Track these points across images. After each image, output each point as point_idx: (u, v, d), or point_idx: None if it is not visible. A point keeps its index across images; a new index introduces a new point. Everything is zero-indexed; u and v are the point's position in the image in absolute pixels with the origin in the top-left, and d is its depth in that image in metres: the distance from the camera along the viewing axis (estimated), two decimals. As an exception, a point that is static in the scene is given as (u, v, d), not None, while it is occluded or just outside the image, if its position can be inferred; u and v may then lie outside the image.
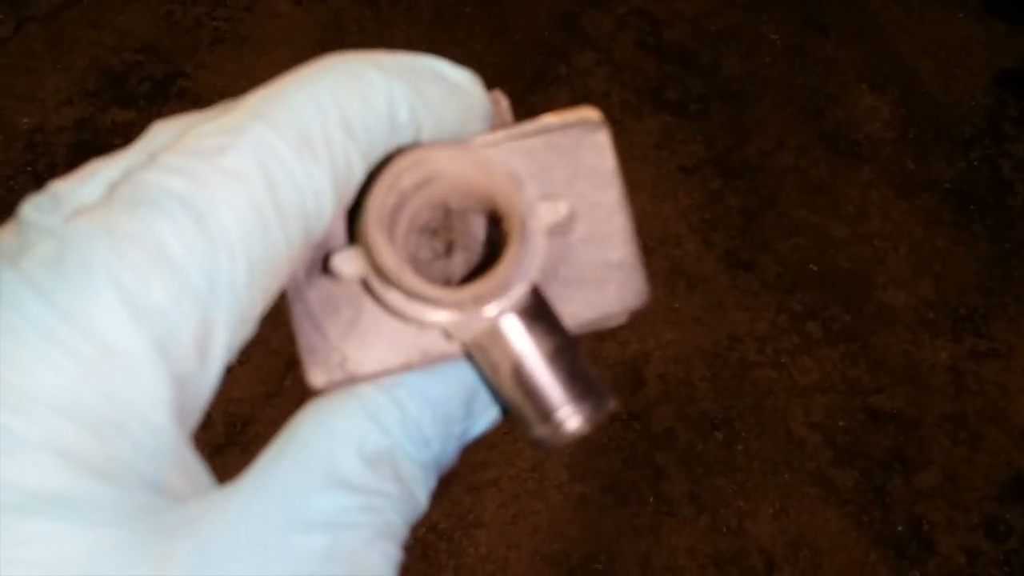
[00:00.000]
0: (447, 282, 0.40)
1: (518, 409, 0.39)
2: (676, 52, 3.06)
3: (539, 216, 0.38)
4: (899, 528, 2.40)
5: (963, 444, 2.50)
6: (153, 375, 0.30)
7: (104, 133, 2.82)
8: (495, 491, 2.38)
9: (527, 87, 2.95)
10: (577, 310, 0.41)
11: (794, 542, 2.37)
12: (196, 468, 0.33)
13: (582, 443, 2.45)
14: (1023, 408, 2.55)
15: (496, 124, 0.42)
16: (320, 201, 0.34)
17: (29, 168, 2.76)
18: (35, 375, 0.28)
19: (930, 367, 2.60)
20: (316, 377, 0.39)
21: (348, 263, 0.37)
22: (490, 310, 0.37)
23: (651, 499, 2.41)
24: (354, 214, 0.38)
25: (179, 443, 0.31)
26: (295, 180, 0.33)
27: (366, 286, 0.38)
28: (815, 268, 2.72)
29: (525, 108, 2.86)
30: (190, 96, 2.89)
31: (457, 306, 0.37)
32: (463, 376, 0.41)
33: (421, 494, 0.38)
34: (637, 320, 2.62)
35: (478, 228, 0.41)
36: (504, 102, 0.43)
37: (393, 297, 0.37)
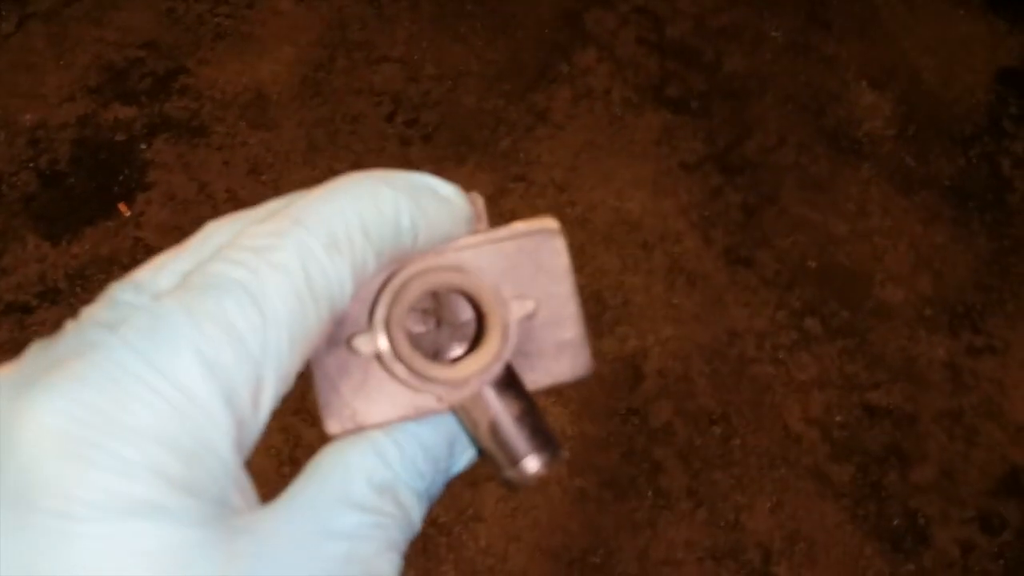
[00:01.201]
0: (437, 351, 0.51)
1: (492, 455, 0.50)
2: (678, 49, 3.08)
3: (514, 314, 0.49)
4: (895, 522, 2.41)
5: (959, 439, 2.52)
6: (222, 418, 0.39)
7: (106, 129, 2.84)
8: (494, 486, 2.39)
9: (529, 85, 2.96)
10: (537, 377, 0.52)
11: (791, 536, 2.38)
12: (248, 489, 0.41)
13: (581, 438, 2.48)
14: (1019, 403, 2.57)
15: (476, 224, 0.52)
16: (343, 288, 0.43)
17: (31, 164, 2.78)
18: (138, 415, 0.37)
19: (927, 363, 2.62)
20: (332, 426, 0.49)
21: (367, 344, 0.47)
22: (474, 385, 0.48)
23: (649, 493, 2.42)
24: (372, 307, 0.48)
25: (238, 469, 0.40)
26: (325, 272, 0.42)
27: (379, 359, 0.48)
28: (814, 265, 2.73)
29: (526, 104, 2.89)
30: (192, 93, 2.90)
31: (450, 383, 0.48)
32: (448, 424, 0.51)
33: (416, 516, 0.48)
34: (636, 316, 2.63)
35: (460, 306, 0.51)
36: (480, 202, 0.52)
37: (401, 371, 0.48)
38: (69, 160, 2.79)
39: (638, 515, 2.39)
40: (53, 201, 2.73)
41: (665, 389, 2.54)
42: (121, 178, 2.77)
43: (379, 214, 0.45)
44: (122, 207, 2.71)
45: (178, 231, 2.68)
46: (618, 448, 2.47)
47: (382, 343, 0.47)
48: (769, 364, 2.58)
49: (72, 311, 0.42)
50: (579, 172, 2.82)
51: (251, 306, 0.40)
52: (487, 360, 0.48)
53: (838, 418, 2.52)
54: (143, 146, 2.82)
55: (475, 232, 0.51)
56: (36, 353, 0.40)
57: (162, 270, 0.44)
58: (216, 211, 2.75)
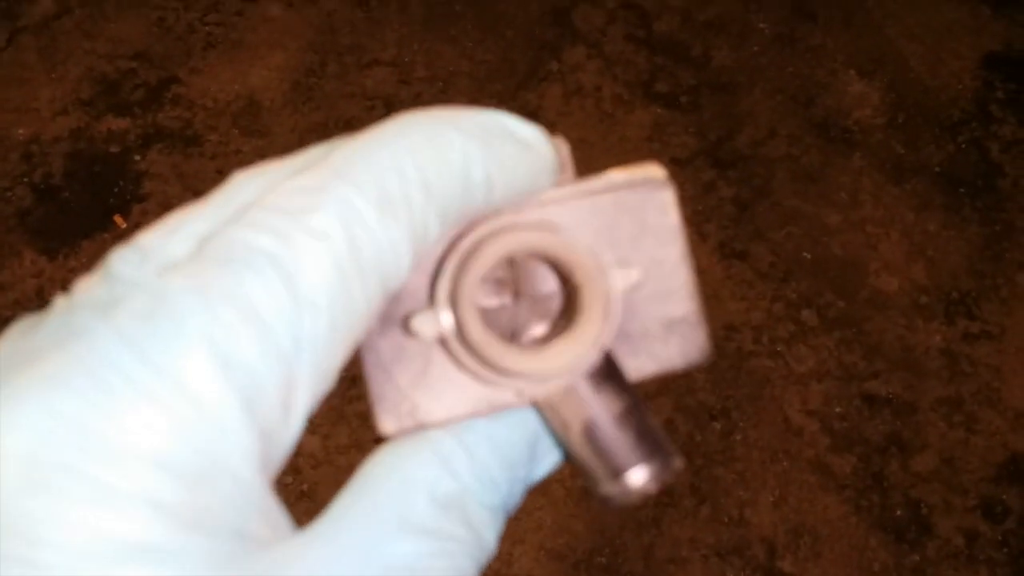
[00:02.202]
0: (514, 330, 0.42)
1: (586, 465, 0.40)
2: (666, 44, 3.08)
3: (616, 286, 0.40)
4: (898, 512, 2.43)
5: (959, 427, 2.53)
6: (240, 430, 0.31)
7: (100, 142, 2.83)
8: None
9: (519, 84, 2.96)
10: (641, 364, 0.43)
11: (795, 529, 2.40)
12: (277, 515, 0.34)
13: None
14: (1017, 389, 2.58)
15: (563, 174, 0.43)
16: (398, 259, 0.35)
17: (26, 179, 2.76)
18: (129, 429, 0.29)
19: (924, 351, 2.63)
20: (387, 424, 0.40)
21: (428, 325, 0.38)
22: (565, 378, 0.39)
23: (652, 491, 2.43)
24: (435, 278, 0.40)
25: (263, 493, 0.32)
26: (375, 239, 0.34)
27: (443, 344, 0.40)
28: (809, 256, 2.74)
29: (518, 104, 2.88)
30: (184, 102, 2.90)
31: (536, 377, 0.39)
32: (527, 421, 0.42)
33: (490, 537, 0.39)
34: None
35: (542, 276, 0.42)
36: (564, 149, 0.43)
37: (470, 361, 0.39)
38: (63, 174, 2.78)
39: (642, 513, 2.40)
40: (49, 215, 2.72)
41: (664, 385, 2.55)
42: (116, 190, 2.76)
43: (444, 164, 0.36)
44: (118, 219, 2.71)
45: (175, 241, 2.65)
46: (620, 446, 2.47)
47: (447, 324, 0.38)
48: (767, 357, 2.60)
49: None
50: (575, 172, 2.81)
51: (280, 284, 0.32)
52: (583, 346, 0.39)
53: (838, 409, 2.54)
54: (137, 157, 2.81)
55: (561, 185, 0.42)
56: (15, 339, 0.33)
57: (175, 233, 0.36)
58: (212, 221, 2.74)
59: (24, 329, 0.33)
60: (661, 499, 2.41)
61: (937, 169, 2.90)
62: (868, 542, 2.39)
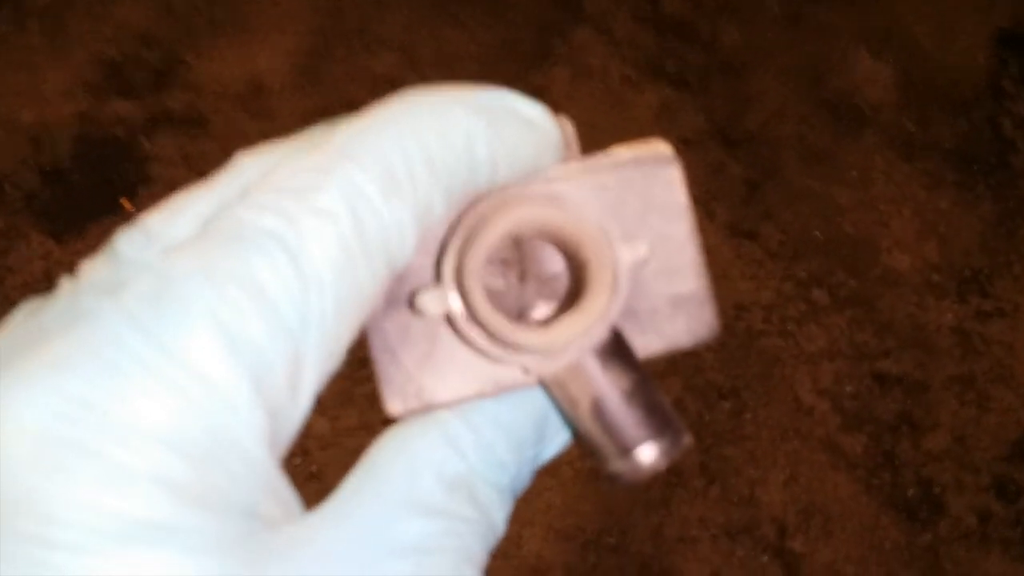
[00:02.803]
0: (521, 312, 0.42)
1: (594, 442, 0.40)
2: (674, 25, 3.06)
3: (624, 260, 0.39)
4: (909, 491, 2.42)
5: (971, 405, 2.52)
6: (249, 408, 0.31)
7: (106, 125, 2.83)
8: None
9: (527, 66, 2.95)
10: (648, 341, 0.43)
11: (805, 509, 2.39)
12: (287, 494, 0.34)
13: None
14: (1030, 367, 2.57)
15: (567, 153, 0.42)
16: (403, 238, 0.35)
17: (33, 162, 2.77)
18: (139, 409, 0.29)
19: (936, 329, 2.62)
20: (394, 405, 0.40)
21: (434, 303, 0.38)
22: (572, 353, 0.39)
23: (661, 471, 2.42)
24: (440, 256, 0.39)
25: (272, 472, 0.32)
26: (380, 218, 0.34)
27: (449, 322, 0.40)
28: (819, 235, 2.73)
29: (526, 86, 2.87)
30: (191, 86, 2.89)
31: (543, 351, 0.39)
32: (535, 401, 0.42)
33: (498, 518, 0.39)
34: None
35: (548, 256, 0.42)
36: (569, 128, 0.43)
37: (477, 337, 0.38)
38: (70, 157, 2.78)
39: (651, 494, 2.39)
40: (56, 198, 2.72)
41: (673, 365, 2.54)
42: (123, 173, 2.76)
43: (448, 143, 0.36)
44: (125, 202, 2.71)
45: (182, 225, 2.65)
46: (630, 426, 2.47)
47: (453, 301, 0.38)
48: (777, 336, 2.58)
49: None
50: (581, 151, 2.81)
51: (286, 263, 0.32)
52: (590, 320, 0.38)
53: (848, 388, 2.53)
54: (144, 140, 2.81)
55: (565, 163, 0.42)
56: (21, 322, 0.33)
57: (180, 215, 0.36)
58: (219, 204, 2.75)
59: (29, 312, 0.33)
60: (670, 479, 2.41)
61: (949, 146, 2.88)
62: (879, 521, 2.38)
